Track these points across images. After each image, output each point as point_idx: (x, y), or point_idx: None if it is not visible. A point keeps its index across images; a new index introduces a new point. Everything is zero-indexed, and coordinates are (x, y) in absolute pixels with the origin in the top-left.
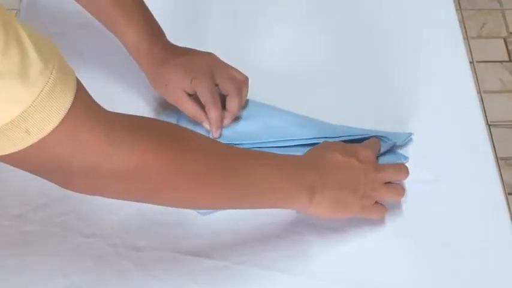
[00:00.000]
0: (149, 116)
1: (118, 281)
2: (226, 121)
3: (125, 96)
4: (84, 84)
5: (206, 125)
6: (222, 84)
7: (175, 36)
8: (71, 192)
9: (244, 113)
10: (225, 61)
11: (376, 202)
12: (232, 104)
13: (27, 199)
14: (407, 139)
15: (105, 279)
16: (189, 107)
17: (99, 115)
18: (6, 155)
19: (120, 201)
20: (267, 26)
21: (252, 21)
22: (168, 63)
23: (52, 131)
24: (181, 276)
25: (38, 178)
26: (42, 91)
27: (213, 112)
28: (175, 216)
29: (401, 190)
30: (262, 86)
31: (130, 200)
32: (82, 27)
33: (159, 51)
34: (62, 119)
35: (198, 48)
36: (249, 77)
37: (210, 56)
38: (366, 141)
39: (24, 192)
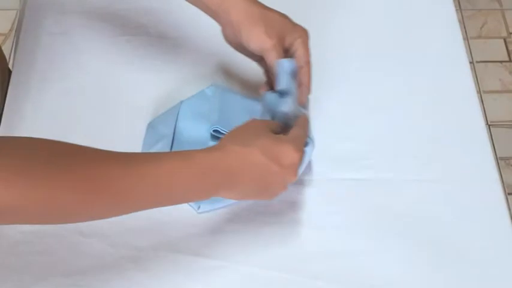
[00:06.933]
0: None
1: (118, 281)
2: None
3: (125, 96)
4: (85, 83)
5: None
6: (297, 51)
7: (178, 36)
8: None
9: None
10: (231, 62)
11: None
12: (305, 77)
13: None
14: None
15: (105, 279)
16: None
17: None
18: None
19: None
20: None
21: None
22: (261, 21)
23: None
24: (181, 276)
25: None
26: None
27: (308, 74)
28: (175, 216)
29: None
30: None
31: None
32: (82, 27)
33: (253, 5)
34: None
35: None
36: (247, 75)
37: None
38: (295, 135)
39: None
